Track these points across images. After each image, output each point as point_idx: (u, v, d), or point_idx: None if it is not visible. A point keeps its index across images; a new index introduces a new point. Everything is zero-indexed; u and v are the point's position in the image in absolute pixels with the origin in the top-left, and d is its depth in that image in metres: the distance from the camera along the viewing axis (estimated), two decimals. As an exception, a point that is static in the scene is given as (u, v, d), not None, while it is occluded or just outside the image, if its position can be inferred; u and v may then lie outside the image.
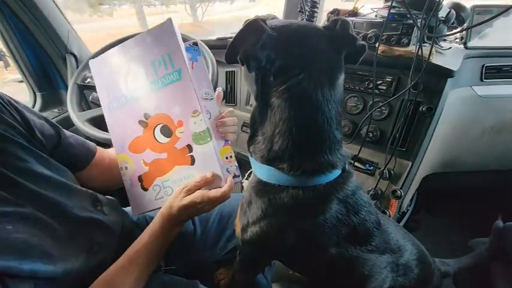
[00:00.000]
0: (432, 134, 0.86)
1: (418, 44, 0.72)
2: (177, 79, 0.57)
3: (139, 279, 0.52)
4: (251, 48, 0.41)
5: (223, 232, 0.81)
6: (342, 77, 0.48)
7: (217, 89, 0.73)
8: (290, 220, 0.50)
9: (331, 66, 0.46)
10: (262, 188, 0.52)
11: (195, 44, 0.65)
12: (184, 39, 0.65)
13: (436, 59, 0.81)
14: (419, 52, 0.72)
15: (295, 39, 0.44)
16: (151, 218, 0.60)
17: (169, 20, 0.57)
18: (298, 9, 0.79)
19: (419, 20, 0.73)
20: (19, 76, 1.21)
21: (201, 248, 0.78)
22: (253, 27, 0.42)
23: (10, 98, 0.52)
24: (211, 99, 0.66)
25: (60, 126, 0.61)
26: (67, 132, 0.62)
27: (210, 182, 0.57)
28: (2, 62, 1.19)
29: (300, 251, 0.53)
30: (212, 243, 0.79)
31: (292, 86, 0.43)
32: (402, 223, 1.08)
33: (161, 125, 0.60)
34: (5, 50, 1.12)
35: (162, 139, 0.60)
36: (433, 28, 0.75)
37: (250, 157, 0.54)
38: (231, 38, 1.20)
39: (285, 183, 0.48)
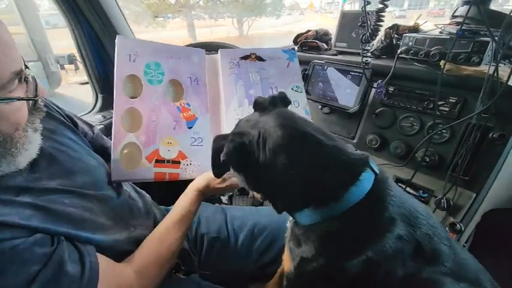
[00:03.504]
0: (502, 165, 0.76)
1: (494, 63, 0.65)
2: None
3: (181, 238, 0.62)
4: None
5: (253, 244, 0.80)
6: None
7: None
8: (348, 252, 0.45)
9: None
10: (305, 230, 0.49)
11: (293, 49, 0.87)
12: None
13: (513, 81, 0.72)
14: (495, 73, 0.65)
15: None
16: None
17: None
18: (359, 23, 0.76)
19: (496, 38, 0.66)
20: (81, 79, 1.34)
21: (233, 257, 0.79)
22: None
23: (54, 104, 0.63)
24: (300, 92, 0.83)
25: (92, 124, 0.75)
26: (96, 130, 0.76)
27: None
28: (73, 65, 1.32)
29: (363, 283, 0.47)
30: (244, 254, 0.80)
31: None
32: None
33: None
34: (77, 54, 1.25)
35: None
36: (511, 47, 0.68)
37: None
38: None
39: (326, 216, 0.45)
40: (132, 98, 0.72)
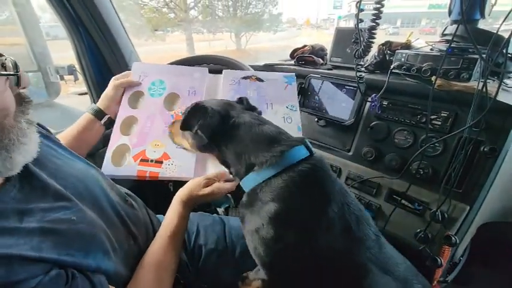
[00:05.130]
0: (494, 178, 0.77)
1: (482, 79, 0.68)
2: None
3: (177, 255, 0.62)
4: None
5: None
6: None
7: None
8: (286, 216, 0.52)
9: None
10: (249, 197, 0.59)
11: (293, 75, 0.94)
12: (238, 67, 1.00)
13: (502, 97, 0.75)
14: (484, 88, 0.67)
15: None
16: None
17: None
18: (353, 40, 0.79)
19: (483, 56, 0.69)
20: (81, 90, 1.35)
21: (230, 269, 0.78)
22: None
23: None
24: (295, 110, 0.88)
25: None
26: None
27: (223, 177, 0.70)
28: (72, 76, 1.33)
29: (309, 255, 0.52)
30: (241, 266, 0.76)
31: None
32: (453, 275, 0.96)
33: None
34: (77, 65, 1.27)
35: None
36: (499, 64, 0.71)
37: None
38: (277, 64, 1.23)
39: (266, 176, 0.55)
40: (135, 108, 0.83)
